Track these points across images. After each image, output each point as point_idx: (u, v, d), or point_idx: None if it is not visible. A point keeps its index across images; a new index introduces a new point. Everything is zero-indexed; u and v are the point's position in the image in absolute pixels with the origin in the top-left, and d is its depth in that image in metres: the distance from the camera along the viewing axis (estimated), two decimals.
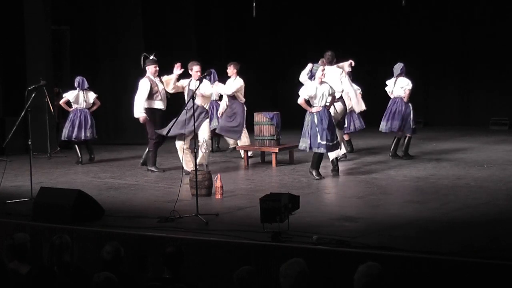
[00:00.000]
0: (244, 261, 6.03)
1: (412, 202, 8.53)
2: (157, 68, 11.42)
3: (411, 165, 11.35)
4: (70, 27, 15.72)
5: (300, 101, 10.15)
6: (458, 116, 17.94)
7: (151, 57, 11.39)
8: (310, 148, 10.13)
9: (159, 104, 11.36)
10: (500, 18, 16.79)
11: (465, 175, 10.26)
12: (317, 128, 9.99)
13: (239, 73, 12.58)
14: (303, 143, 10.21)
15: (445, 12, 17.40)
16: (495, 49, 16.87)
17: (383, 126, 12.05)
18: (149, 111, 11.28)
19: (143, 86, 11.26)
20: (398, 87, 11.99)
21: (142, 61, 11.49)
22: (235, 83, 12.48)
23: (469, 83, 17.83)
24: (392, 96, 12.12)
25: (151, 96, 11.26)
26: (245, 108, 12.60)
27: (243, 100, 12.60)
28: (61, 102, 12.81)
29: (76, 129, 12.50)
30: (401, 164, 11.42)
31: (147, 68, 11.39)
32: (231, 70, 12.59)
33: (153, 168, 11.38)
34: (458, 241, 6.49)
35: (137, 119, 11.42)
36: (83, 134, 12.56)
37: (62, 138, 12.90)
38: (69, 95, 12.62)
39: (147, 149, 11.59)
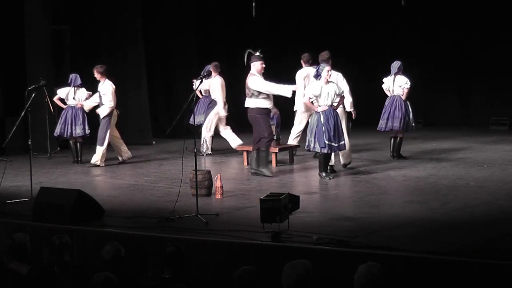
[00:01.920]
0: (244, 261, 6.03)
1: (412, 202, 8.53)
2: (264, 65, 10.78)
3: (411, 165, 11.35)
4: (70, 27, 15.71)
5: (306, 100, 10.13)
6: (458, 116, 17.94)
7: (257, 53, 10.81)
8: (308, 146, 10.09)
9: (265, 103, 10.70)
10: (500, 17, 16.78)
11: (465, 175, 10.26)
12: (323, 128, 9.95)
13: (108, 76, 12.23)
14: (311, 143, 10.07)
15: (445, 12, 17.39)
16: (495, 49, 16.87)
17: (382, 125, 11.99)
18: (260, 110, 10.70)
19: (260, 79, 10.64)
20: (397, 85, 11.96)
21: (246, 57, 10.98)
22: (106, 87, 12.12)
23: (469, 83, 17.84)
24: (389, 94, 12.11)
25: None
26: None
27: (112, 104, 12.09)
28: (55, 98, 12.81)
29: (68, 126, 12.45)
30: (401, 164, 11.42)
31: (252, 64, 10.71)
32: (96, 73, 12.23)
33: (265, 171, 10.53)
34: (458, 241, 6.49)
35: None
36: (74, 131, 12.45)
37: (55, 135, 12.82)
38: (61, 92, 12.63)
39: (253, 152, 10.81)
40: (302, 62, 12.10)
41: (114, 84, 12.15)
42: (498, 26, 16.79)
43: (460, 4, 17.21)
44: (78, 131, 12.48)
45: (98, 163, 12.05)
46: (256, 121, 10.73)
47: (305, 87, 11.46)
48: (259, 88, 10.60)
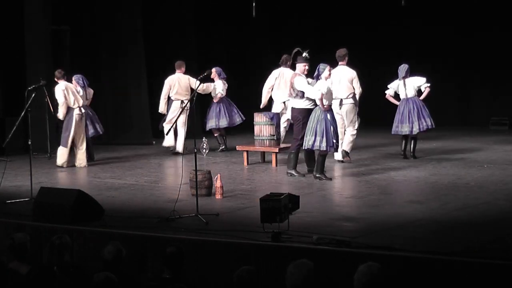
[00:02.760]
0: (244, 261, 6.03)
1: (412, 202, 8.53)
2: (307, 67, 10.66)
3: (411, 165, 11.36)
4: (70, 27, 15.72)
5: (319, 96, 9.99)
6: (458, 116, 17.94)
7: (304, 54, 10.70)
8: (313, 145, 10.02)
9: (310, 104, 10.51)
10: (500, 17, 16.78)
11: (465, 175, 10.26)
12: (331, 127, 9.94)
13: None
14: (318, 142, 9.94)
15: (445, 12, 17.39)
16: (495, 49, 16.87)
17: (416, 127, 11.77)
18: (304, 111, 10.55)
19: (304, 81, 10.51)
20: (412, 87, 11.90)
21: (292, 54, 10.92)
22: (56, 89, 12.09)
23: (469, 83, 17.84)
24: (392, 100, 12.11)
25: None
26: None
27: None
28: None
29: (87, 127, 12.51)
30: (401, 164, 11.42)
31: (297, 65, 10.71)
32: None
33: (293, 172, 10.56)
34: (458, 241, 6.49)
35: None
36: (92, 130, 12.61)
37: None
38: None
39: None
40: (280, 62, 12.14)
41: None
42: (498, 26, 16.79)
43: (460, 4, 17.21)
44: (92, 131, 12.61)
45: (59, 164, 11.99)
46: (297, 122, 10.64)
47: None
48: (301, 88, 10.48)
